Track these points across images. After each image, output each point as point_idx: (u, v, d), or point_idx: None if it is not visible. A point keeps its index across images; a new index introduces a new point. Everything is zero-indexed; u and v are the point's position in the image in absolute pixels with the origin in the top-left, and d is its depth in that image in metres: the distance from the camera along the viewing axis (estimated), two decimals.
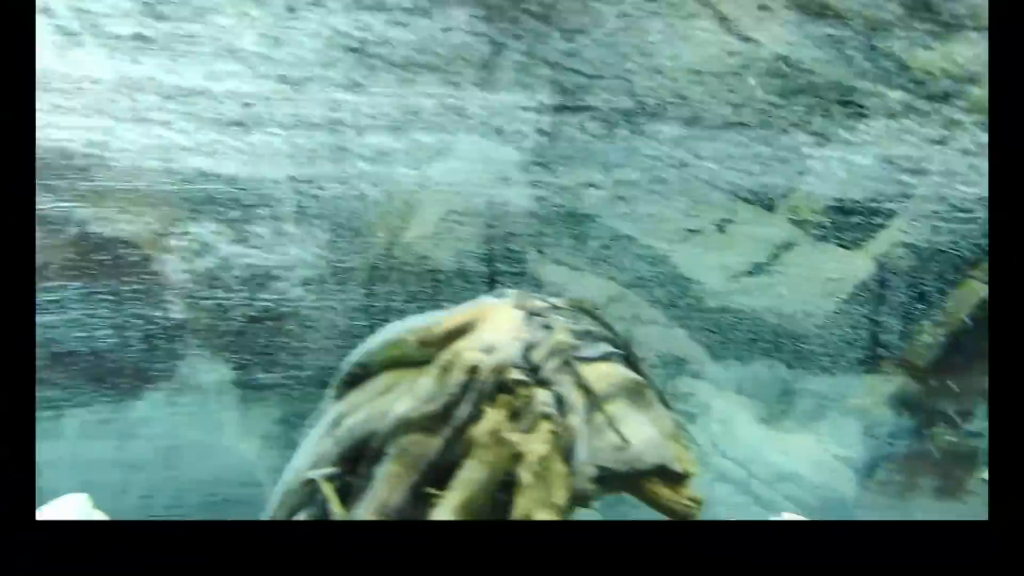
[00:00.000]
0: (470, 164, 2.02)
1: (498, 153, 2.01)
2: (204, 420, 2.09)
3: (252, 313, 2.05)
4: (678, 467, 1.62)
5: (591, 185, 2.00)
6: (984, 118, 1.96)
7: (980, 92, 1.95)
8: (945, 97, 1.96)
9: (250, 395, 2.12)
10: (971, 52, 1.96)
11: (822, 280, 2.04)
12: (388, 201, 2.02)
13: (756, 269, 2.05)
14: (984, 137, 1.96)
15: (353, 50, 1.94)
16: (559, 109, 1.98)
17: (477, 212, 2.04)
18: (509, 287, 1.81)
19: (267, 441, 2.11)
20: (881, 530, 1.30)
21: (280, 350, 2.09)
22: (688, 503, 1.62)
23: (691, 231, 2.03)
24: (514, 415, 1.59)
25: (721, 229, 2.02)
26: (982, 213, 1.98)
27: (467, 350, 1.62)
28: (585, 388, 1.62)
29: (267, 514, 1.61)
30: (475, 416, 1.59)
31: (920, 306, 2.04)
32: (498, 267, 2.03)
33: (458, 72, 1.96)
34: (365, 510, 1.55)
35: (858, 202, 1.99)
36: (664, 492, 1.63)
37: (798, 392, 2.08)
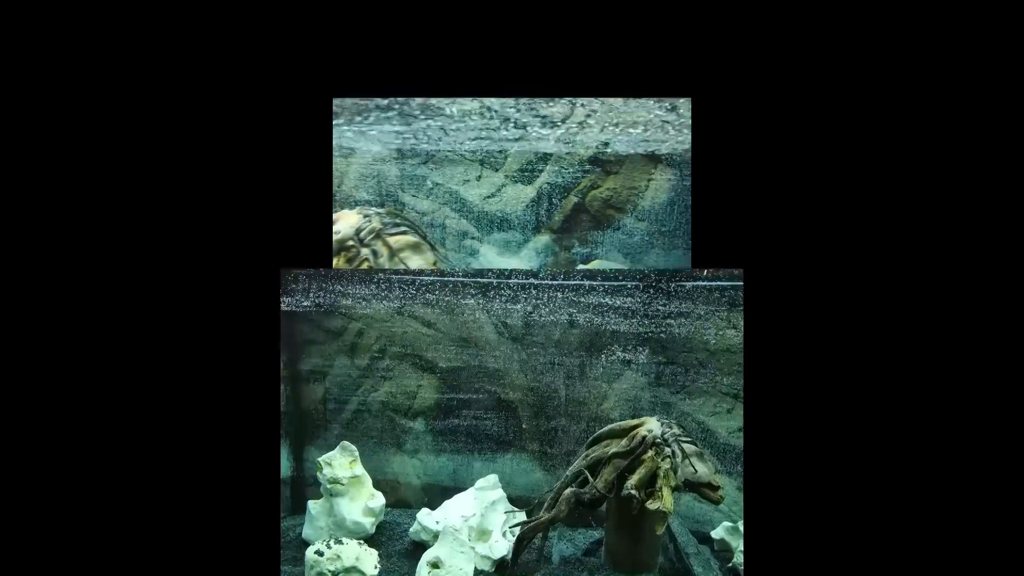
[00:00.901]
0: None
1: (375, 142, 4.54)
2: None
3: None
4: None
5: (424, 163, 4.50)
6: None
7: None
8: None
9: None
10: None
11: (518, 198, 4.18)
12: None
13: (491, 195, 4.20)
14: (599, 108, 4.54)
15: None
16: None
17: (373, 176, 4.58)
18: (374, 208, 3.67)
19: None
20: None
21: None
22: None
23: (466, 180, 4.30)
24: (349, 261, 2.83)
25: (479, 178, 4.30)
26: (581, 169, 4.55)
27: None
28: (388, 246, 2.85)
29: None
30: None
31: (554, 205, 4.20)
32: (386, 200, 4.51)
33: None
34: None
35: (529, 165, 4.45)
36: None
37: (516, 242, 4.21)
